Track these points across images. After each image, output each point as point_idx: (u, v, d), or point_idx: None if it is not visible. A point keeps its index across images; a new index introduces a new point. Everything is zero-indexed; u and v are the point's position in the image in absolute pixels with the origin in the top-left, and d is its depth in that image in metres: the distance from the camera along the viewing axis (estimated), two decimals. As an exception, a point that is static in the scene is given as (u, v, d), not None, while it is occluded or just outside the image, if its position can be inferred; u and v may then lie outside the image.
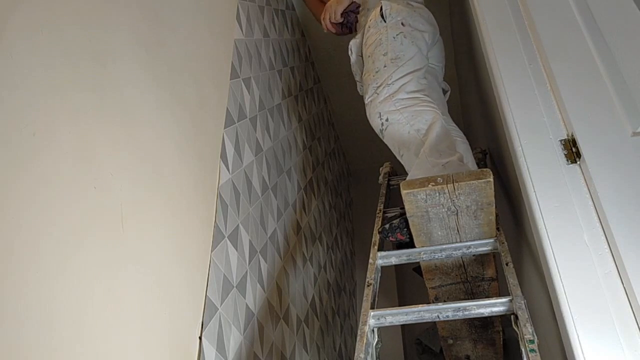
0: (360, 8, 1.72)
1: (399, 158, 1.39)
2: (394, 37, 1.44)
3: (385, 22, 1.48)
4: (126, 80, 0.96)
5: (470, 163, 1.39)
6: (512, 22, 1.15)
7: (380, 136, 1.41)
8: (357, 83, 1.69)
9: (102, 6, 0.94)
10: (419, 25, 1.49)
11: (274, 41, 2.01)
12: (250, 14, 1.77)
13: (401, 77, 1.38)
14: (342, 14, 1.72)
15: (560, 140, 0.96)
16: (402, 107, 1.34)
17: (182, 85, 1.18)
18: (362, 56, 1.58)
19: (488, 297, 1.37)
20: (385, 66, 1.41)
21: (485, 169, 1.06)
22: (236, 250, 1.30)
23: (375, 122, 1.40)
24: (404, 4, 1.52)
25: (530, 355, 0.85)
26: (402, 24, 1.46)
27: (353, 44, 1.65)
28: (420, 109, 1.33)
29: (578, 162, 0.92)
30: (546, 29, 1.08)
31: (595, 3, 1.03)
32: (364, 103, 1.45)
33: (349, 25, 1.75)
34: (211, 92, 1.34)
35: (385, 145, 1.43)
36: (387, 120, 1.36)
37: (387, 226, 1.27)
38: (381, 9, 1.49)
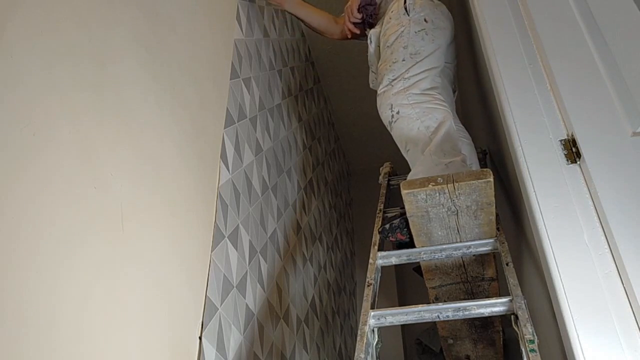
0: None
1: (404, 153, 1.39)
2: (416, 32, 1.43)
3: (408, 15, 1.46)
4: (126, 80, 0.96)
5: (475, 165, 1.39)
6: (512, 22, 1.15)
7: (389, 128, 1.41)
8: (371, 74, 1.67)
9: (102, 6, 0.94)
10: (440, 23, 1.48)
11: (274, 41, 2.01)
12: (250, 14, 1.77)
13: (418, 74, 1.38)
14: (359, 9, 1.67)
15: (560, 140, 0.96)
16: (415, 102, 1.34)
17: (182, 85, 1.18)
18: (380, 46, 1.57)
19: (488, 297, 1.37)
20: (403, 60, 1.40)
21: (485, 169, 1.06)
22: (236, 250, 1.30)
23: (385, 114, 1.40)
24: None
25: (530, 355, 0.85)
26: (425, 20, 1.45)
27: (373, 33, 1.62)
28: (432, 107, 1.33)
29: (578, 162, 0.92)
30: (546, 29, 1.08)
31: (595, 3, 1.03)
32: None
33: (369, 20, 1.70)
34: (211, 92, 1.34)
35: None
36: (397, 112, 1.36)
37: (387, 226, 1.27)
38: (405, 1, 1.48)
